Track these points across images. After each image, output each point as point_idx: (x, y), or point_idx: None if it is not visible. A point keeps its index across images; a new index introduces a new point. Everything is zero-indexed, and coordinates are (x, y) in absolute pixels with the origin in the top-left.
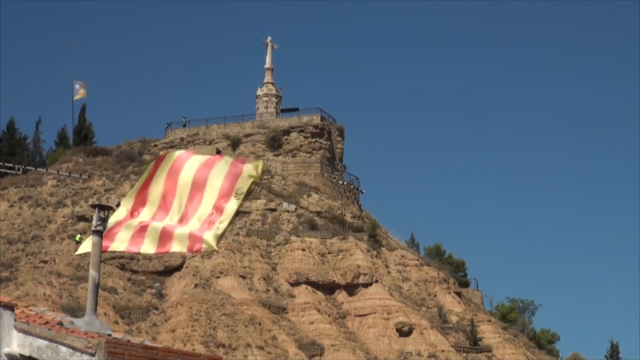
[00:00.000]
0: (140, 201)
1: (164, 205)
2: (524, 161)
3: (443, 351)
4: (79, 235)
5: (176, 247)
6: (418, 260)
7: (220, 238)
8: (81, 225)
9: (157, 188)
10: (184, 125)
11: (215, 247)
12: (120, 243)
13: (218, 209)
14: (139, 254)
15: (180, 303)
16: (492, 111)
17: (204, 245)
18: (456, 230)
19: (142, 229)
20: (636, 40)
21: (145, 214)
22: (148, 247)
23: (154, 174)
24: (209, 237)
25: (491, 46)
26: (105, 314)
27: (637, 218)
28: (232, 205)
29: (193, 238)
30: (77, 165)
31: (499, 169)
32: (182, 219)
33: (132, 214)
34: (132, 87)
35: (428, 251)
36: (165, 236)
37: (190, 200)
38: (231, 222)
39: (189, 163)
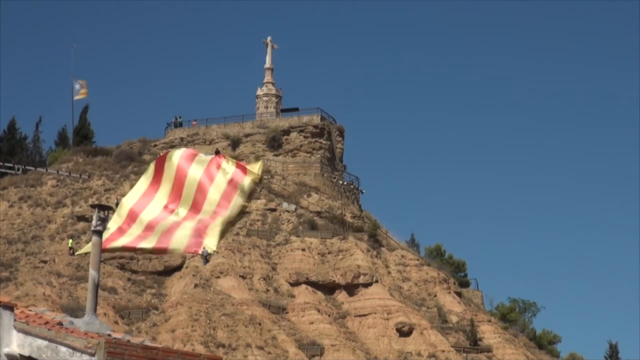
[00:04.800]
0: (143, 202)
1: (167, 207)
2: (524, 162)
3: (443, 351)
4: (70, 241)
5: (174, 245)
6: (418, 260)
7: (221, 237)
8: (81, 225)
9: (162, 193)
10: (176, 125)
11: (214, 248)
12: (120, 242)
13: (220, 209)
14: (136, 250)
15: (180, 303)
16: (493, 113)
17: (201, 250)
18: (456, 230)
19: (150, 228)
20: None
21: (146, 216)
22: (147, 243)
23: (160, 179)
24: (208, 242)
25: (492, 47)
26: (105, 314)
27: (637, 219)
28: (235, 204)
29: (192, 240)
30: (77, 165)
31: (499, 169)
32: (183, 220)
33: (133, 213)
34: (132, 87)
35: (428, 251)
36: (167, 233)
37: (194, 203)
38: (233, 223)
39: (193, 167)
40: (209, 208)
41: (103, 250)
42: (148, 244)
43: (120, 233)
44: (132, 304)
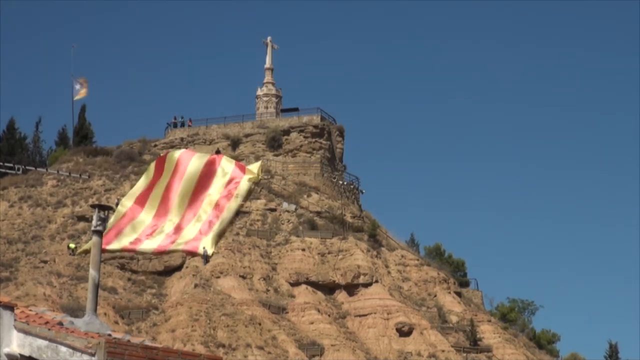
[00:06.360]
0: (141, 201)
1: (165, 206)
2: (523, 162)
3: (443, 351)
4: (72, 244)
5: (174, 247)
6: (418, 260)
7: (218, 239)
8: (81, 225)
9: (159, 189)
10: (176, 125)
11: (213, 249)
12: (119, 244)
13: (218, 209)
14: (136, 252)
15: (180, 303)
16: (492, 113)
17: (200, 249)
18: (456, 230)
19: (144, 236)
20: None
21: (145, 216)
22: (146, 246)
23: (159, 177)
24: (206, 242)
25: (492, 47)
26: (105, 314)
27: (636, 218)
28: (232, 205)
29: (192, 241)
30: (77, 165)
31: (499, 170)
32: (182, 220)
33: (132, 213)
34: (132, 87)
35: (428, 251)
36: (168, 237)
37: (192, 200)
38: (231, 222)
39: (192, 163)
40: (207, 208)
41: (102, 251)
42: (147, 246)
43: (117, 232)
44: (132, 304)
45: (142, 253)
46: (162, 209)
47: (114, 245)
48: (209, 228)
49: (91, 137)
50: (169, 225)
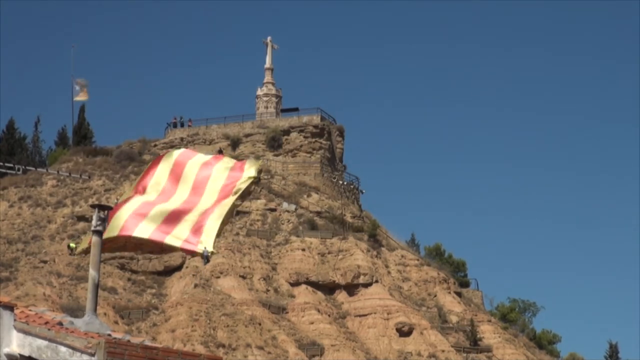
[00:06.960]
0: (139, 191)
1: (163, 195)
2: (523, 162)
3: (443, 351)
4: (72, 243)
5: (170, 240)
6: (418, 260)
7: (216, 237)
8: (81, 225)
9: (156, 180)
10: (176, 125)
11: (212, 249)
12: (114, 229)
13: (214, 208)
14: (132, 241)
15: (180, 303)
16: (492, 113)
17: (197, 248)
18: (456, 230)
19: (141, 214)
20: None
21: (143, 199)
22: (143, 231)
23: (154, 169)
24: (206, 241)
25: (491, 45)
26: (105, 314)
27: (636, 219)
28: (229, 203)
29: (189, 239)
30: (77, 165)
31: (499, 169)
32: (175, 213)
33: (129, 201)
34: (132, 87)
35: (428, 251)
36: (167, 222)
37: (190, 197)
38: (228, 222)
39: (192, 161)
40: (205, 203)
41: (104, 249)
42: (143, 232)
43: (112, 217)
44: (132, 304)
45: (139, 244)
46: (162, 196)
47: (111, 231)
48: (205, 226)
49: (91, 137)
50: (160, 213)
